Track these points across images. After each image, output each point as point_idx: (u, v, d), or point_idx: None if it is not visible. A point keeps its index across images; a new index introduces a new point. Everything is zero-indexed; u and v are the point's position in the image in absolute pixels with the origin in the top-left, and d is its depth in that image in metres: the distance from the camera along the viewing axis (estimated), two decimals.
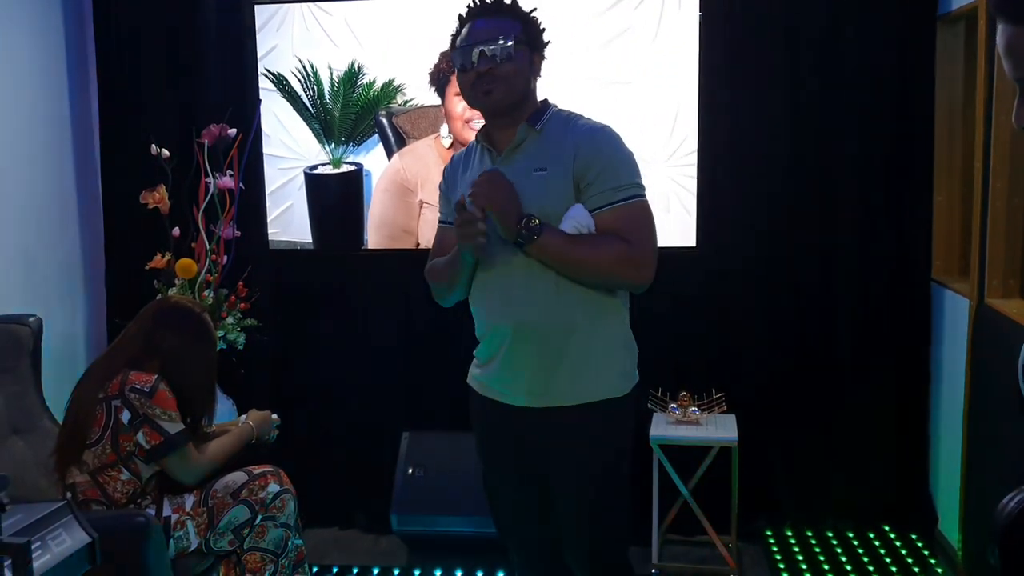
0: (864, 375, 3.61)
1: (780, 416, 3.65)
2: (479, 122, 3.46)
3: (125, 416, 2.56)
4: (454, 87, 3.51)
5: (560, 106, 2.25)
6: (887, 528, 3.65)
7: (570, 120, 2.19)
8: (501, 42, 2.10)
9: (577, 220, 2.08)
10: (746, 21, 3.53)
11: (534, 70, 2.19)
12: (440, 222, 2.38)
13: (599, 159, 2.10)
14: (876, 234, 3.55)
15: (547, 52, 2.22)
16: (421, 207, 3.62)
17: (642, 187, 2.13)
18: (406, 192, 3.63)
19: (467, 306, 2.33)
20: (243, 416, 2.98)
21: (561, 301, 2.11)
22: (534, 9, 2.21)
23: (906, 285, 3.57)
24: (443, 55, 3.52)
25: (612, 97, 3.46)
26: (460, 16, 2.21)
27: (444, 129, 3.57)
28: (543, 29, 2.21)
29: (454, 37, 2.21)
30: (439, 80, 3.54)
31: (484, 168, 2.20)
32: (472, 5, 2.19)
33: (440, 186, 2.39)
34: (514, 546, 2.41)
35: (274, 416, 3.01)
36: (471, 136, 3.47)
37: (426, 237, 3.62)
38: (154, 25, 3.80)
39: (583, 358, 2.13)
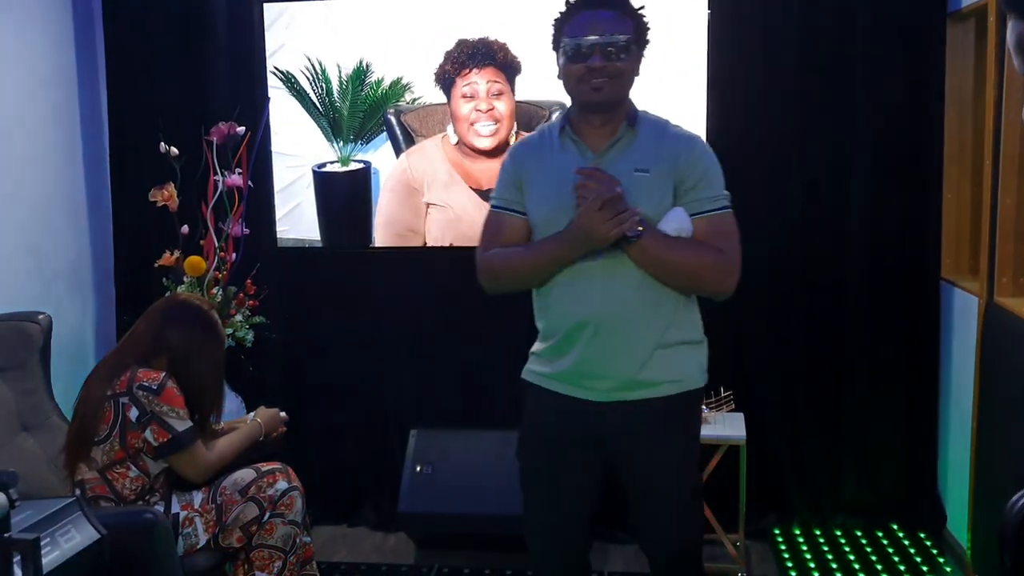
0: (873, 373, 3.60)
1: (788, 414, 3.65)
2: (483, 125, 3.50)
3: (133, 413, 2.57)
4: (459, 88, 3.51)
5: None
6: (895, 527, 3.63)
7: (663, 124, 2.21)
8: (619, 38, 2.09)
9: (679, 223, 2.11)
10: (755, 19, 3.52)
11: (639, 68, 2.19)
12: (497, 208, 2.26)
13: (700, 167, 2.14)
14: (885, 232, 3.54)
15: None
16: (428, 208, 3.62)
17: (729, 197, 2.18)
18: (412, 192, 3.63)
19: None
20: (252, 413, 2.98)
21: (644, 295, 2.13)
22: (642, 7, 2.19)
23: (915, 283, 3.55)
24: (448, 55, 3.51)
25: None
26: (568, 1, 2.17)
27: (450, 128, 3.57)
28: (648, 27, 2.19)
29: (560, 22, 2.16)
30: (444, 80, 3.54)
31: (572, 160, 2.17)
32: None
33: (506, 167, 2.27)
34: (543, 547, 2.35)
35: (282, 414, 3.02)
36: (475, 139, 3.52)
37: (433, 236, 3.62)
38: (163, 22, 3.81)
39: (669, 350, 2.16)
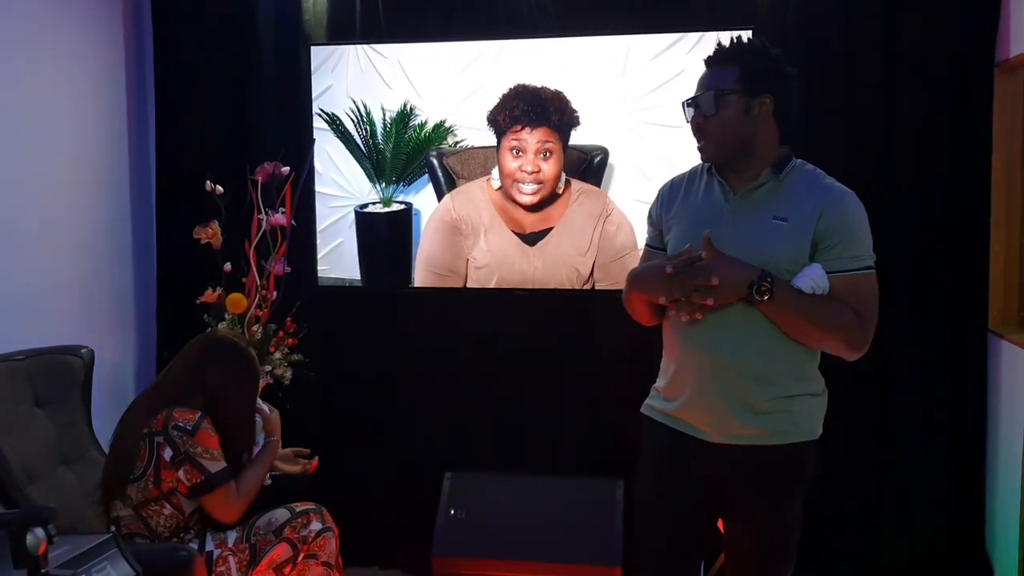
0: (917, 426, 3.52)
1: (831, 469, 3.57)
2: (527, 185, 3.49)
3: (167, 453, 2.57)
4: (508, 140, 3.50)
5: (800, 162, 2.24)
6: None
7: (816, 175, 2.21)
8: (707, 95, 2.15)
9: (815, 280, 2.08)
10: (801, 71, 3.49)
11: (756, 114, 2.17)
12: (646, 244, 2.37)
13: (845, 225, 2.11)
14: (932, 283, 3.49)
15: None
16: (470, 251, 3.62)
17: (874, 259, 2.14)
18: (455, 231, 3.63)
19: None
20: (259, 435, 2.94)
21: (769, 343, 2.12)
22: (765, 45, 2.22)
23: (962, 335, 3.49)
24: (505, 100, 3.49)
25: (666, 141, 3.45)
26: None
27: (495, 172, 3.58)
28: (773, 68, 2.19)
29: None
30: (496, 126, 3.53)
31: (714, 200, 2.20)
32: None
33: (651, 210, 2.36)
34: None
35: (303, 455, 3.02)
36: (517, 195, 3.52)
37: (473, 279, 3.62)
38: (213, 64, 3.88)
39: (787, 400, 2.15)
